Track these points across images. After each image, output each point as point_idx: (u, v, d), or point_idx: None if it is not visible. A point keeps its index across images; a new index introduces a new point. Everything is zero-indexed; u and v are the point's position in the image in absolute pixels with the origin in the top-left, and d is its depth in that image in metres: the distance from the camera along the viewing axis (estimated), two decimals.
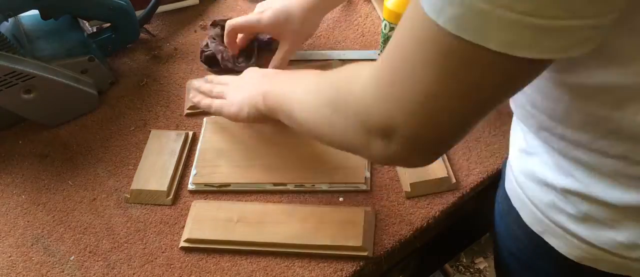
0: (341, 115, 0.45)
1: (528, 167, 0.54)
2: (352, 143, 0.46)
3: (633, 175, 0.44)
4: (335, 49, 0.86)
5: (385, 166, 0.70)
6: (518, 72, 0.34)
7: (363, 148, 0.44)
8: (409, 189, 0.67)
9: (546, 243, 0.54)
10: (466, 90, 0.34)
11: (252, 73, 0.71)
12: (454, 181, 0.67)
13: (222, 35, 0.83)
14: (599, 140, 0.43)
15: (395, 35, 0.37)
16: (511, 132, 0.60)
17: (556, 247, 0.54)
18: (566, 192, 0.50)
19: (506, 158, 0.63)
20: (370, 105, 0.40)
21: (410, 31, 0.35)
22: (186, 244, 0.64)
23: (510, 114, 0.74)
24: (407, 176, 0.67)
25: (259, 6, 0.81)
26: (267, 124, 0.75)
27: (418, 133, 0.38)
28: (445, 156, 0.69)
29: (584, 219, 0.50)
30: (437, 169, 0.67)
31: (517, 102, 0.51)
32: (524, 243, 0.59)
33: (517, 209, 0.58)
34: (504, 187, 0.61)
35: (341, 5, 0.93)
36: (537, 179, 0.53)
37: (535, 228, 0.56)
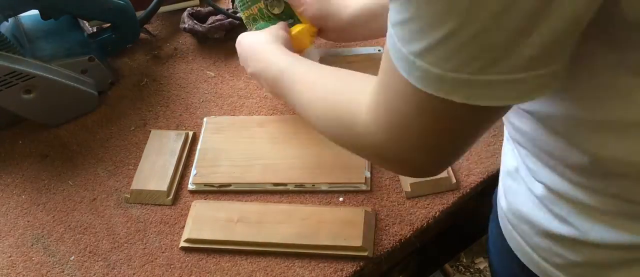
0: (348, 139, 0.50)
1: (518, 207, 0.53)
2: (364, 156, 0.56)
3: (629, 213, 0.43)
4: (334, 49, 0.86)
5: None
6: (485, 115, 0.38)
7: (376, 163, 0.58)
8: (409, 189, 0.67)
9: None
10: (453, 132, 0.39)
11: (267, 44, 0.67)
12: (454, 181, 0.67)
13: (194, 15, 0.89)
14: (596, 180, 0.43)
15: (384, 82, 0.40)
16: (504, 149, 0.59)
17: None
18: (564, 240, 0.48)
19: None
20: (374, 142, 0.44)
21: (394, 84, 0.38)
22: (186, 244, 0.64)
23: None
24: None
25: None
26: (267, 124, 0.75)
27: (426, 163, 0.43)
28: None
29: (585, 264, 0.48)
30: None
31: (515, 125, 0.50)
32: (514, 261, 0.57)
33: (513, 249, 0.56)
34: (498, 223, 0.59)
35: None
36: (529, 222, 0.51)
37: (534, 269, 0.54)
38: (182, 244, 0.65)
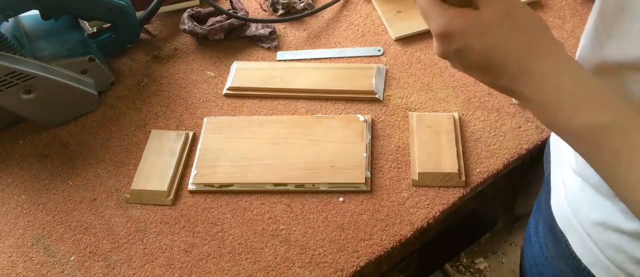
0: None
1: (587, 198, 0.50)
2: None
3: None
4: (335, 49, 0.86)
5: (386, 166, 0.70)
6: None
7: None
8: (416, 178, 0.67)
9: None
10: None
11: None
12: (462, 178, 0.67)
13: (193, 16, 0.88)
14: None
15: None
16: (554, 146, 0.56)
17: None
18: (632, 236, 0.46)
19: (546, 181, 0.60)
20: None
21: None
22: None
23: (510, 114, 0.74)
24: (418, 164, 0.68)
25: None
26: (267, 124, 0.75)
27: None
28: (461, 151, 0.69)
29: None
30: (450, 163, 0.68)
31: None
32: None
33: (566, 235, 0.54)
34: (552, 221, 0.57)
35: (341, 4, 0.93)
36: (598, 216, 0.49)
37: (585, 259, 0.53)
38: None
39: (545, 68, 0.39)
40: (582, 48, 0.48)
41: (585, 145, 0.40)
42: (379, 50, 0.84)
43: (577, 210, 0.53)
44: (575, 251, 0.54)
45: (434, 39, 0.43)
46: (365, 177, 0.68)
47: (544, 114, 0.41)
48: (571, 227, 0.54)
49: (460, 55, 0.42)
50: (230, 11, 0.89)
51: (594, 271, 0.53)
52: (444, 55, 0.44)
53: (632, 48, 0.40)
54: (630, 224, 0.47)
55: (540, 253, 0.62)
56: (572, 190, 0.54)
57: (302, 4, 0.93)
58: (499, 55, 0.40)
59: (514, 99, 0.74)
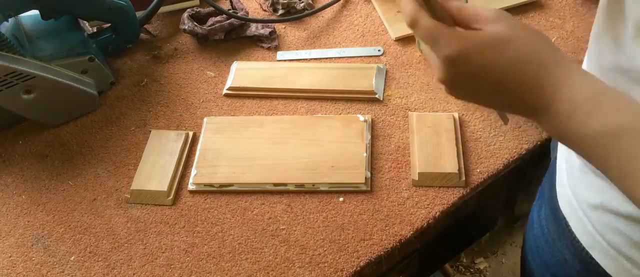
0: None
1: (586, 180, 0.51)
2: None
3: None
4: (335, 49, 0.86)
5: (386, 166, 0.70)
6: None
7: None
8: (416, 178, 0.67)
9: (599, 266, 0.52)
10: None
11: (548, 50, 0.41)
12: (462, 178, 0.67)
13: (193, 16, 0.88)
14: None
15: None
16: None
17: (604, 267, 0.51)
18: (630, 219, 0.47)
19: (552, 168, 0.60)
20: None
21: None
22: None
23: (510, 114, 0.74)
24: (418, 164, 0.68)
25: None
26: (267, 124, 0.75)
27: None
28: (461, 151, 0.70)
29: None
30: (450, 163, 0.68)
31: None
32: (575, 269, 0.56)
33: (567, 217, 0.54)
34: (555, 203, 0.57)
35: (341, 4, 0.93)
36: (596, 198, 0.50)
37: (584, 241, 0.53)
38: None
39: (559, 77, 0.40)
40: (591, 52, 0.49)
41: (599, 150, 0.39)
42: (379, 50, 0.84)
43: (577, 192, 0.53)
44: (575, 234, 0.55)
45: (439, 64, 0.42)
46: (365, 177, 0.68)
47: (558, 123, 0.40)
48: (572, 209, 0.55)
49: (474, 77, 0.42)
50: (230, 11, 0.89)
51: (593, 253, 0.53)
52: (450, 80, 0.43)
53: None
54: (628, 207, 0.47)
55: (541, 236, 0.62)
56: (573, 172, 0.54)
57: (302, 4, 0.93)
58: (518, 69, 0.40)
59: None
